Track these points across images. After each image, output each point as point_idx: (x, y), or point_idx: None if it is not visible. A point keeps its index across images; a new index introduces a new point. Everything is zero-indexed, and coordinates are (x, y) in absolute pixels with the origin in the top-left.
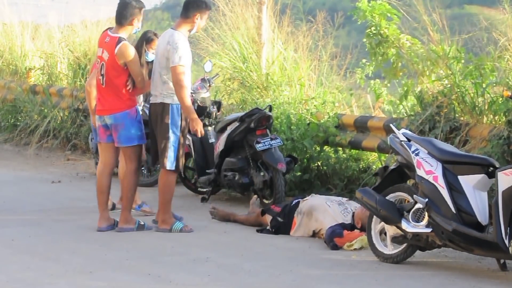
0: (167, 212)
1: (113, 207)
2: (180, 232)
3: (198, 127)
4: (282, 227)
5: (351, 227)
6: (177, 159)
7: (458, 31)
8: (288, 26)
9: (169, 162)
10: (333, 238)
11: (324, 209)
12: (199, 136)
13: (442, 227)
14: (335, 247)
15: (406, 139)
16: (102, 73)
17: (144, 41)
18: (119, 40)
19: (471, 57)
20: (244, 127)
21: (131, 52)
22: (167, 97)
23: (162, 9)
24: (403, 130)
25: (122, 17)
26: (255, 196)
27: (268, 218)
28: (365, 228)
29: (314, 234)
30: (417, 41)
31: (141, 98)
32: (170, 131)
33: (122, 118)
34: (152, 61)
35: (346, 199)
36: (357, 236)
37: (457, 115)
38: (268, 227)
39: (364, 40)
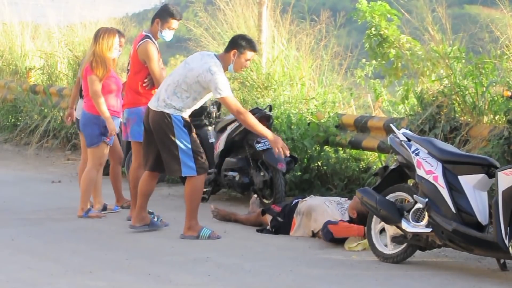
0: (194, 218)
1: (104, 208)
2: (209, 238)
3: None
4: (282, 227)
5: (348, 222)
6: (195, 162)
7: (458, 31)
8: (291, 25)
9: (186, 168)
10: (327, 225)
11: (323, 210)
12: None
13: (442, 227)
14: (331, 237)
15: (406, 139)
16: (128, 68)
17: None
18: (144, 37)
19: (471, 57)
20: (244, 127)
21: (150, 51)
22: (168, 107)
23: None
24: (403, 130)
25: (154, 15)
26: (255, 195)
27: (268, 217)
28: (362, 219)
29: (314, 235)
30: (417, 42)
31: None
32: (178, 140)
33: (136, 113)
34: None
35: (345, 199)
36: (355, 230)
37: (457, 115)
38: (268, 227)
39: (364, 41)
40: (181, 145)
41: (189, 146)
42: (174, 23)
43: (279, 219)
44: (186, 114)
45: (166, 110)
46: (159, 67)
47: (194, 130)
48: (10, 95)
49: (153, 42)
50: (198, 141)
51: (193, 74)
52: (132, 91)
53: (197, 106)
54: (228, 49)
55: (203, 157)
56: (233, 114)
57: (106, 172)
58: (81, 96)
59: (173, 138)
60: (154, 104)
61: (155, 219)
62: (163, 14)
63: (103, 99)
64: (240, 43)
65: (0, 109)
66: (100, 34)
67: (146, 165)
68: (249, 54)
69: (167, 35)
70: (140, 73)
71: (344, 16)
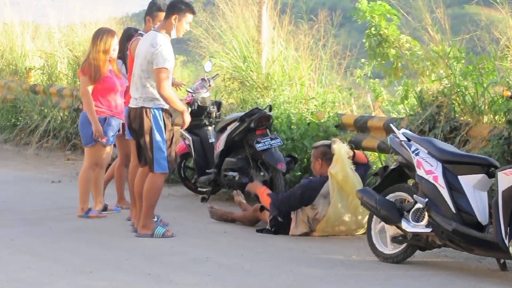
0: (149, 217)
1: (105, 208)
2: (162, 237)
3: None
4: (282, 227)
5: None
6: (166, 160)
7: (458, 31)
8: (289, 25)
9: (157, 165)
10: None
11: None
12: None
13: (442, 227)
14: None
15: (406, 139)
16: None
17: (126, 37)
18: (137, 35)
19: (471, 57)
20: (244, 127)
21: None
22: (147, 101)
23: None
24: (403, 130)
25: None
26: (235, 191)
27: (266, 215)
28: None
29: (312, 225)
30: (417, 43)
31: None
32: (155, 134)
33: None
34: None
35: None
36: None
37: (457, 115)
38: (268, 226)
39: (364, 40)
40: (156, 141)
41: (163, 140)
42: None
43: (279, 219)
44: (163, 103)
45: (146, 105)
46: None
47: (170, 127)
48: (10, 95)
49: None
50: (172, 138)
51: (142, 58)
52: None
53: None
54: (168, 15)
55: (173, 154)
56: (156, 85)
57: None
58: None
59: (149, 133)
60: (133, 102)
61: (155, 219)
62: (151, 10)
63: (91, 99)
64: (180, 7)
65: (0, 109)
66: (99, 35)
67: (140, 162)
68: (189, 17)
69: None
70: None
71: (340, 15)
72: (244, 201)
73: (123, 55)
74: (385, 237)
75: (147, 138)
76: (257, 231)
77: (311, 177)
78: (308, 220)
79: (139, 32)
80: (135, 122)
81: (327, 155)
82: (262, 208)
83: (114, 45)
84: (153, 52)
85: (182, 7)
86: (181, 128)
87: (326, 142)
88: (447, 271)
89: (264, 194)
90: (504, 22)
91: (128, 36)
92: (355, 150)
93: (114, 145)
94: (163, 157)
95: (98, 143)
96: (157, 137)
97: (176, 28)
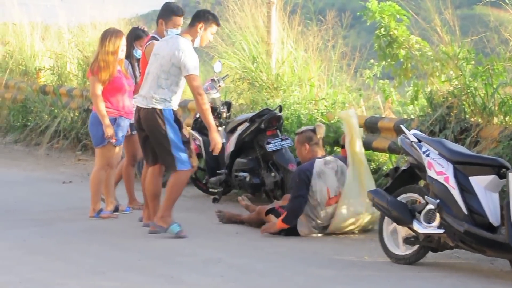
0: (169, 210)
1: (116, 209)
2: (176, 235)
3: (216, 137)
4: (291, 230)
5: None
6: (187, 156)
7: (467, 32)
8: (299, 25)
9: (179, 163)
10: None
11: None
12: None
13: (454, 228)
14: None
15: (416, 140)
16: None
17: (133, 38)
18: (151, 39)
19: (481, 58)
20: (254, 128)
21: None
22: (159, 102)
23: None
24: (413, 131)
25: (157, 16)
26: (239, 197)
27: (272, 218)
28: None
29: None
30: (427, 43)
31: None
32: (170, 134)
33: None
34: (140, 58)
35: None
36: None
37: (467, 116)
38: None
39: (373, 41)
40: (173, 140)
41: (180, 139)
42: (178, 20)
43: None
44: (175, 105)
45: (158, 106)
46: None
47: (184, 126)
48: (20, 96)
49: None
50: (188, 136)
51: (166, 60)
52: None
53: (181, 89)
54: (194, 22)
55: (192, 150)
56: (193, 93)
57: None
58: None
59: (165, 133)
60: (143, 102)
61: None
62: (165, 13)
63: (101, 100)
64: (207, 17)
65: (11, 110)
66: (107, 36)
67: (148, 162)
68: (214, 28)
69: (174, 33)
70: None
71: (350, 16)
72: (251, 204)
73: (129, 55)
74: (397, 238)
75: (164, 140)
76: (270, 232)
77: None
78: (311, 211)
79: (151, 35)
80: (146, 123)
81: (313, 140)
82: (268, 212)
83: (122, 46)
84: (181, 58)
85: (210, 17)
86: (212, 151)
87: (308, 127)
88: (459, 273)
89: (279, 222)
90: None
91: (136, 36)
92: None
93: None
94: (183, 155)
95: (109, 144)
96: (173, 136)
97: (200, 37)
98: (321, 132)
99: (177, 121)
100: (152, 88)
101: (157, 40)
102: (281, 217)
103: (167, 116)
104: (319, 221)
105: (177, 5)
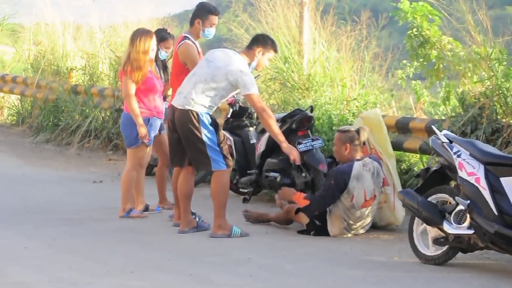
0: (223, 217)
1: (146, 208)
2: (240, 236)
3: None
4: (322, 230)
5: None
6: (223, 157)
7: (500, 32)
8: (332, 26)
9: (215, 163)
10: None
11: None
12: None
13: (484, 229)
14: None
15: (448, 141)
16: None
17: (158, 39)
18: (183, 38)
19: None
20: (285, 128)
21: (190, 52)
22: (197, 105)
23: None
24: (444, 132)
25: (191, 16)
26: (276, 195)
27: (303, 217)
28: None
29: (348, 217)
30: (459, 44)
31: None
32: (205, 135)
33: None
34: (164, 59)
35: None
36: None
37: (499, 116)
38: (306, 229)
39: (405, 41)
40: (208, 142)
41: (215, 141)
42: (215, 19)
43: (317, 222)
44: (212, 111)
45: (195, 108)
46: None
47: (220, 128)
48: (52, 95)
49: (193, 42)
50: (224, 137)
51: (221, 72)
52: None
53: (221, 103)
54: (253, 46)
55: (227, 152)
56: (257, 111)
57: (147, 172)
58: None
59: (199, 135)
60: (179, 102)
61: (197, 219)
62: (202, 13)
63: (135, 101)
64: (266, 42)
65: (42, 109)
66: (137, 37)
67: (173, 163)
68: (272, 54)
69: (210, 32)
70: (182, 74)
71: (386, 18)
72: (286, 203)
73: (154, 57)
74: (427, 239)
75: (198, 142)
76: (298, 232)
77: (338, 165)
78: (344, 212)
79: (184, 35)
80: (180, 125)
81: (355, 141)
82: (298, 210)
83: (152, 45)
84: (240, 77)
85: (269, 43)
86: (293, 161)
87: (352, 127)
88: (489, 274)
89: (300, 198)
90: None
91: (160, 38)
92: None
93: None
94: (218, 155)
95: (142, 144)
96: (208, 137)
97: (258, 61)
98: (364, 135)
99: (214, 124)
100: (196, 91)
101: (190, 39)
102: (304, 199)
103: (202, 119)
104: (351, 222)
105: (213, 4)
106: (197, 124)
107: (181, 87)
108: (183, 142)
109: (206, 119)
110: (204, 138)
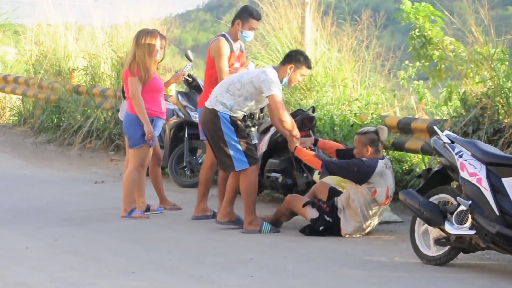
0: (253, 213)
1: (147, 209)
2: (270, 232)
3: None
4: (333, 227)
5: None
6: (246, 155)
7: (503, 32)
8: (332, 26)
9: (238, 162)
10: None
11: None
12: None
13: (486, 229)
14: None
15: (449, 141)
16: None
17: None
18: (219, 35)
19: None
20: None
21: (220, 48)
22: (219, 104)
23: (205, 10)
24: (446, 132)
25: (234, 17)
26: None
27: (309, 211)
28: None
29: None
30: (461, 44)
31: None
32: (226, 134)
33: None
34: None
35: None
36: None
37: (501, 117)
38: (310, 224)
39: (407, 42)
40: (230, 141)
41: (237, 139)
42: (254, 23)
43: (328, 219)
44: (234, 114)
45: (217, 107)
46: (225, 65)
47: (243, 129)
48: (53, 96)
49: (228, 40)
50: (247, 135)
51: (248, 75)
52: (206, 90)
53: (247, 109)
54: (285, 62)
55: (252, 148)
56: (278, 116)
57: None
58: (124, 97)
59: (221, 134)
60: (208, 102)
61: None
62: (244, 15)
63: (142, 101)
64: (298, 58)
65: (44, 110)
66: (142, 37)
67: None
68: (305, 70)
69: (248, 35)
70: (211, 69)
71: (384, 16)
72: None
73: None
74: (428, 239)
75: (220, 141)
76: (300, 231)
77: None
78: (364, 205)
79: (222, 34)
80: (205, 125)
81: (376, 142)
82: (305, 204)
83: (157, 46)
84: (263, 79)
85: (301, 59)
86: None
87: (371, 128)
88: (490, 274)
89: (312, 156)
90: None
91: None
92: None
93: None
94: (240, 154)
95: (145, 144)
96: (228, 135)
97: (289, 77)
98: (384, 135)
99: (234, 124)
100: (221, 89)
101: (226, 38)
102: (320, 157)
103: (222, 118)
104: (367, 216)
105: (256, 9)
106: (217, 123)
107: (215, 87)
108: (209, 142)
109: (226, 119)
110: (226, 138)
